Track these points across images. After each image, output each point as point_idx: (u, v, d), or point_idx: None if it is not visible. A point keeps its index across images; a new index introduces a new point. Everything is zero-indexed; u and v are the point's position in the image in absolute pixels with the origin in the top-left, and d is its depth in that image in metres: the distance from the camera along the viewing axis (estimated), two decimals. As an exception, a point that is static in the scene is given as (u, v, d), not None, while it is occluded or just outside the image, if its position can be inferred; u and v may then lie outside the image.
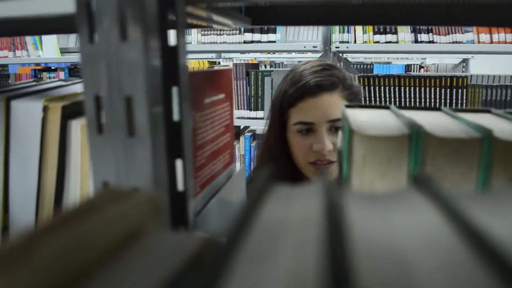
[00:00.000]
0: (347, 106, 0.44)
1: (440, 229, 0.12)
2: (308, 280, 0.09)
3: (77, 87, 0.60)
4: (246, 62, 3.72)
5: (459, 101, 1.89)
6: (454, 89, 1.87)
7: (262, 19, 0.55)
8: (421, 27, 2.17)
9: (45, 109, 0.48)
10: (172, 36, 0.32)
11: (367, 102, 1.96)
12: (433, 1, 0.49)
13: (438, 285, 0.10)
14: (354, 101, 0.90)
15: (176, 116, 0.33)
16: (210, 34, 2.54)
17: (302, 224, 0.13)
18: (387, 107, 0.44)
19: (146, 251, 0.14)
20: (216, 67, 2.87)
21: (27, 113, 0.49)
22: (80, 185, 0.50)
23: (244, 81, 2.17)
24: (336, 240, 0.10)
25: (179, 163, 0.34)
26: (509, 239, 0.12)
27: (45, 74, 3.08)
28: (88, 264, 0.12)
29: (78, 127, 0.48)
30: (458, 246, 0.11)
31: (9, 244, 0.11)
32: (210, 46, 2.57)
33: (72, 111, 0.49)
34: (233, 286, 0.09)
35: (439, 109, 0.44)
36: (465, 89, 1.88)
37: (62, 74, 3.08)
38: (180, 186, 0.34)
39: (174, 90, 0.32)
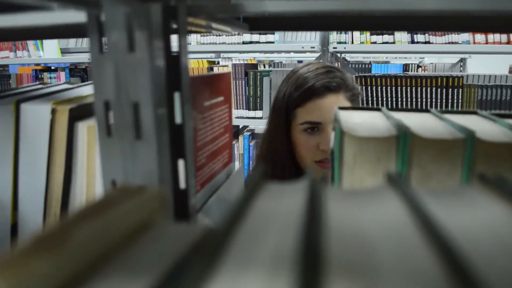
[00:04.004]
0: (340, 108, 0.46)
1: (402, 221, 0.15)
2: (288, 255, 0.12)
3: (83, 90, 0.62)
4: (245, 61, 3.74)
5: (455, 101, 1.91)
6: (450, 89, 1.90)
7: (260, 25, 0.57)
8: (418, 27, 2.19)
9: (53, 111, 0.50)
10: (174, 44, 0.34)
11: (365, 102, 1.98)
12: (428, 13, 0.50)
13: (392, 263, 0.12)
14: (355, 102, 0.93)
15: (178, 119, 0.35)
16: (210, 35, 2.57)
17: (288, 215, 0.15)
18: (378, 109, 0.46)
19: (156, 238, 0.17)
20: (215, 69, 2.89)
21: (36, 116, 0.50)
22: (87, 185, 0.52)
23: (243, 81, 2.19)
24: (311, 227, 0.13)
25: (181, 163, 0.36)
26: (458, 230, 0.14)
27: (45, 75, 3.08)
28: (111, 248, 0.15)
29: (84, 129, 0.50)
30: (415, 235, 0.14)
31: (48, 229, 0.13)
32: (209, 46, 2.60)
33: (78, 113, 0.51)
34: (228, 263, 0.12)
35: (428, 111, 0.46)
36: (461, 89, 1.90)
37: (62, 74, 3.09)
38: (182, 184, 0.36)
39: (176, 95, 0.35)
